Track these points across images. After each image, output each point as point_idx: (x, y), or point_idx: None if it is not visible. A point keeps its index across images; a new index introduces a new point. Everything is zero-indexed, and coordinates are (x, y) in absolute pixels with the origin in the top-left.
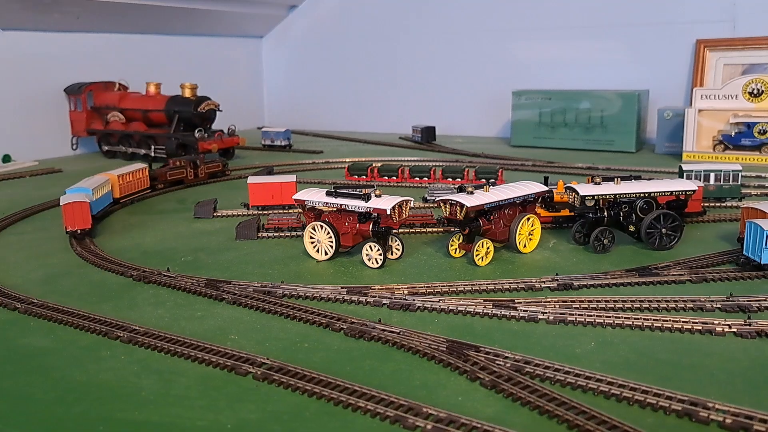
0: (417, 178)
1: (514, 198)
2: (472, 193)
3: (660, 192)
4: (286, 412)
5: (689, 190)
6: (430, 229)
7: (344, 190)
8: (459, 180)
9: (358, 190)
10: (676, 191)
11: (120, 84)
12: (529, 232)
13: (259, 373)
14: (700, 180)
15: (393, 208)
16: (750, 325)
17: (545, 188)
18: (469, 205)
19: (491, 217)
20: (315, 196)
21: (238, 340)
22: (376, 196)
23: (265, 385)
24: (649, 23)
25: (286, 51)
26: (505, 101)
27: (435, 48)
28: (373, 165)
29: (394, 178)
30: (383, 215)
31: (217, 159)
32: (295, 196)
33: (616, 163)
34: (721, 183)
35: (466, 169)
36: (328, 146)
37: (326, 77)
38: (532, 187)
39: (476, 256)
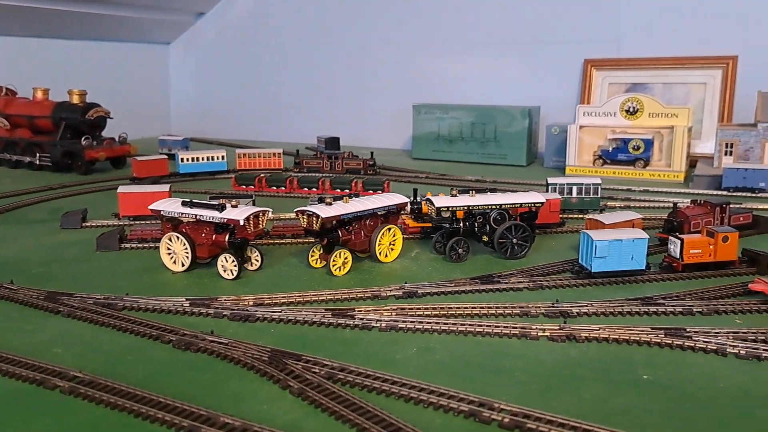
0: (306, 189)
1: (373, 209)
2: (330, 204)
3: (511, 204)
4: (84, 425)
5: (538, 203)
6: (300, 240)
7: (217, 199)
8: (347, 191)
9: (217, 200)
10: (526, 203)
11: (7, 89)
12: (390, 243)
13: (66, 387)
14: (563, 193)
15: (247, 218)
16: (563, 329)
17: (406, 199)
18: (323, 216)
19: (350, 228)
20: (171, 206)
21: (61, 353)
22: (232, 206)
23: (71, 398)
24: (543, 42)
25: (194, 58)
26: (410, 114)
27: (342, 59)
28: (261, 175)
29: (282, 188)
30: (238, 226)
31: (361, 157)
32: (151, 206)
33: (505, 176)
34: (583, 196)
35: (354, 181)
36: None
37: (235, 85)
38: (393, 198)
39: (333, 266)
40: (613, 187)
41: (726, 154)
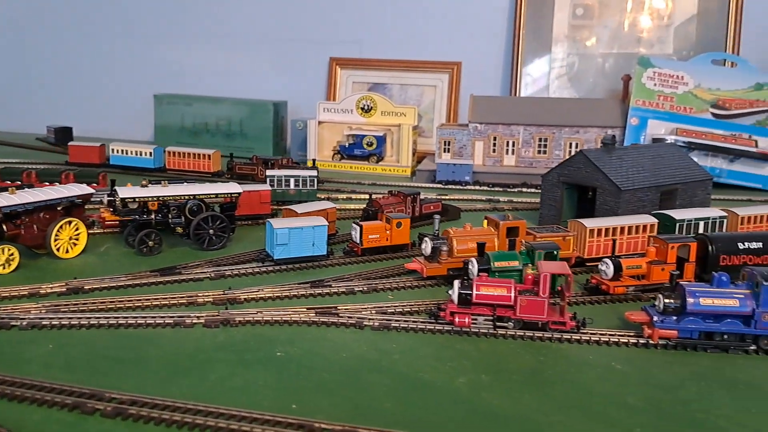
0: (9, 182)
1: (46, 201)
2: None
3: (206, 194)
4: None
5: (235, 193)
6: None
7: None
8: (56, 183)
9: None
10: (222, 194)
11: None
12: (72, 237)
13: None
14: (281, 185)
15: None
16: (221, 315)
17: (91, 190)
18: None
19: (19, 222)
20: None
21: None
22: None
23: None
24: (292, 39)
25: None
26: (152, 104)
27: (77, 45)
28: None
29: None
30: None
31: (302, 165)
32: None
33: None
34: (300, 187)
35: (65, 173)
36: None
37: None
38: (75, 189)
39: None
40: (344, 180)
41: (445, 151)
